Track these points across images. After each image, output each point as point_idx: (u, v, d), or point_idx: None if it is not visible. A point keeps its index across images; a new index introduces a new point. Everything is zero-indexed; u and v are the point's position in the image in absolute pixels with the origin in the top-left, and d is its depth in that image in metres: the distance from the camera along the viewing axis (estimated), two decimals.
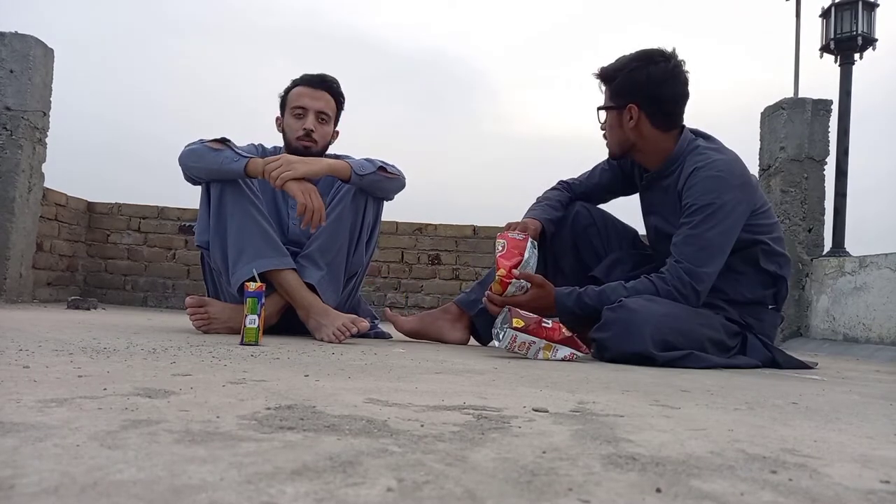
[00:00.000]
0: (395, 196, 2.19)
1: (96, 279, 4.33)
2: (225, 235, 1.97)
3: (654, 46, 1.94)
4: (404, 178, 2.15)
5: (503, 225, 2.07)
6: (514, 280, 1.86)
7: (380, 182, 2.07)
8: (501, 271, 1.87)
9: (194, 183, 2.06)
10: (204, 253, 2.09)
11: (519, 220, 2.10)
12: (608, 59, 1.99)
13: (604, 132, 2.03)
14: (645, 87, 1.90)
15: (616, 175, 2.19)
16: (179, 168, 2.04)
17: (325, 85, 2.20)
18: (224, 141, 2.00)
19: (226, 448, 0.55)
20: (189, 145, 2.01)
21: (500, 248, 1.92)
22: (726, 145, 1.96)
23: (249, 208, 1.97)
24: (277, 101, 2.27)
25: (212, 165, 1.95)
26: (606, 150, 2.07)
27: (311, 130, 2.14)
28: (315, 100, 2.17)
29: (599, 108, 2.01)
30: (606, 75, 1.97)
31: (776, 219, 2.02)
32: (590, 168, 2.26)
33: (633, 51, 1.95)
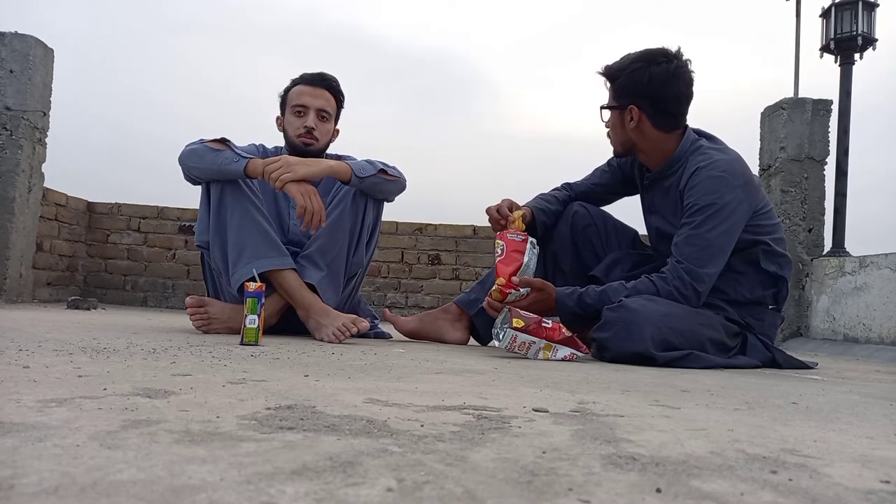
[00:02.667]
0: (396, 198, 2.20)
1: (96, 279, 4.33)
2: (225, 235, 1.97)
3: (659, 46, 1.92)
4: (405, 180, 2.15)
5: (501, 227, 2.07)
6: (512, 291, 1.85)
7: (380, 184, 2.07)
8: (501, 280, 1.86)
9: (194, 183, 2.06)
10: (204, 253, 2.09)
11: (510, 200, 2.08)
12: (609, 58, 1.99)
13: (607, 130, 2.03)
14: (646, 89, 1.90)
15: (616, 176, 2.19)
16: (179, 168, 2.04)
17: (325, 83, 2.20)
18: (224, 141, 2.00)
19: (226, 448, 0.55)
20: (189, 145, 2.01)
21: (500, 252, 1.91)
22: (729, 145, 1.96)
23: (249, 208, 1.97)
24: (277, 102, 2.27)
25: (211, 166, 1.95)
26: (611, 148, 2.07)
27: (313, 128, 2.15)
28: (315, 98, 2.17)
29: (602, 107, 2.01)
30: (610, 74, 1.97)
31: (778, 219, 2.01)
32: (591, 170, 2.26)
33: (638, 49, 1.94)
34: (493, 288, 1.88)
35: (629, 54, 1.95)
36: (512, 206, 2.06)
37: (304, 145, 2.15)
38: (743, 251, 1.88)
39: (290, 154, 2.13)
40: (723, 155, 1.86)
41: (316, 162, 2.00)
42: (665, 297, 1.78)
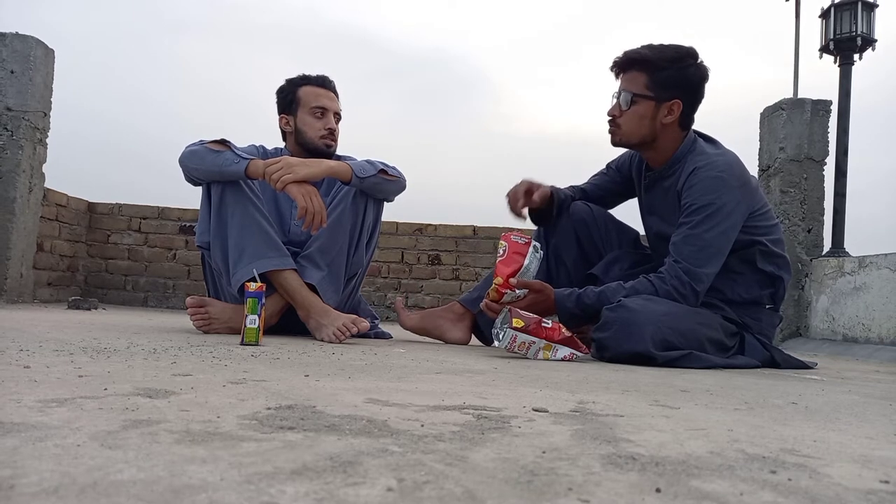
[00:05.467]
0: (396, 198, 2.20)
1: (97, 279, 4.33)
2: (226, 236, 1.97)
3: (682, 44, 1.89)
4: (405, 180, 2.16)
5: (504, 226, 2.08)
6: (508, 291, 1.85)
7: (380, 184, 2.07)
8: (499, 279, 1.86)
9: (195, 184, 2.06)
10: (204, 253, 2.09)
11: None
12: (609, 57, 1.95)
13: (612, 117, 1.94)
14: (691, 86, 1.89)
15: (615, 179, 2.20)
16: (180, 169, 2.04)
17: (332, 86, 2.25)
18: (224, 142, 2.00)
19: (226, 448, 0.55)
20: (189, 146, 2.01)
21: (501, 252, 1.91)
22: (726, 146, 1.96)
23: (250, 209, 1.98)
24: (276, 102, 2.27)
25: (212, 167, 1.95)
26: (610, 137, 1.96)
27: (334, 129, 2.19)
28: (331, 100, 2.22)
29: (636, 95, 1.89)
30: (652, 64, 1.87)
31: (776, 220, 2.00)
32: (590, 173, 2.27)
33: (661, 42, 1.89)
34: (491, 287, 1.89)
35: (661, 46, 1.89)
36: (531, 188, 2.07)
37: (326, 147, 2.17)
38: (740, 251, 1.88)
39: (300, 155, 2.14)
40: (721, 156, 1.86)
41: (316, 163, 2.00)
42: (663, 296, 1.78)
